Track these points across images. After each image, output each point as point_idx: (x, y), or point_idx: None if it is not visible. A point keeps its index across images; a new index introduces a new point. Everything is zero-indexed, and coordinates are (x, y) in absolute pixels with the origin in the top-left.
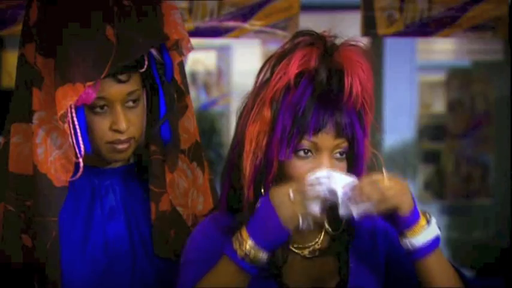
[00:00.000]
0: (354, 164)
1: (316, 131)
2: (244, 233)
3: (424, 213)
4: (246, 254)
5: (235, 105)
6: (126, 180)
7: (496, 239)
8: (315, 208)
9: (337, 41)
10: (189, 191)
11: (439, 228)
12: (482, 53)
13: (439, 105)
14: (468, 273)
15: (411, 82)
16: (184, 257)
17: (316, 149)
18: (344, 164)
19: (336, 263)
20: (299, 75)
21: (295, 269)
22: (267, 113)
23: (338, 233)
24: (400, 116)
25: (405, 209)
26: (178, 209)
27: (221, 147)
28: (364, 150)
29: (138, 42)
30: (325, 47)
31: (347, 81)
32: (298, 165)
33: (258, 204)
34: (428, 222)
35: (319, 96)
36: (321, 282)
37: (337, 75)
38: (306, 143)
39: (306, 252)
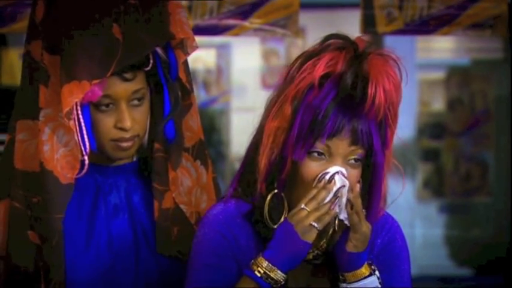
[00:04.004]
0: (372, 173)
1: (331, 135)
2: (264, 258)
3: (370, 265)
4: (266, 274)
5: (234, 103)
6: (129, 177)
7: (495, 237)
8: (332, 210)
9: (370, 48)
10: (193, 189)
11: (381, 283)
12: (482, 51)
13: (438, 104)
14: (468, 271)
15: (410, 80)
16: (198, 258)
17: (329, 153)
18: (358, 171)
19: (330, 270)
20: (324, 77)
21: (293, 271)
22: (288, 110)
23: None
24: (400, 114)
25: (358, 239)
26: (182, 207)
27: (221, 145)
28: (382, 161)
29: (144, 41)
30: (355, 52)
31: (371, 90)
32: (310, 165)
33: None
34: (370, 274)
35: (340, 101)
36: (315, 285)
37: (363, 82)
38: (319, 146)
39: (310, 256)
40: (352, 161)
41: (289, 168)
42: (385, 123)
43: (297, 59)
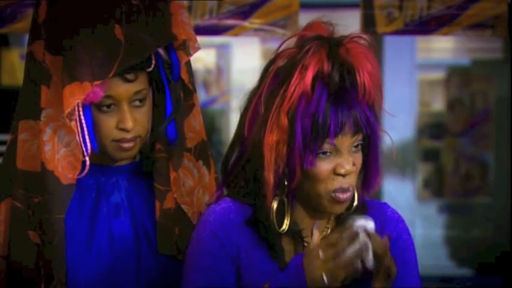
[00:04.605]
0: (370, 151)
1: (337, 133)
2: None
3: None
4: None
5: (234, 103)
6: (131, 177)
7: (495, 237)
8: (351, 266)
9: (336, 32)
10: (194, 189)
11: None
12: (482, 51)
13: (438, 104)
14: (468, 271)
15: (411, 80)
16: (193, 260)
17: (336, 150)
18: (360, 155)
19: None
20: (313, 80)
21: None
22: (284, 122)
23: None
24: (400, 115)
25: (389, 283)
26: (183, 207)
27: (221, 145)
28: (378, 138)
29: (146, 42)
30: (330, 47)
31: (359, 80)
32: (319, 166)
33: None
34: None
35: (334, 98)
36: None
37: (349, 73)
38: (326, 147)
39: None
40: (354, 148)
41: (299, 176)
42: (373, 103)
43: (274, 64)
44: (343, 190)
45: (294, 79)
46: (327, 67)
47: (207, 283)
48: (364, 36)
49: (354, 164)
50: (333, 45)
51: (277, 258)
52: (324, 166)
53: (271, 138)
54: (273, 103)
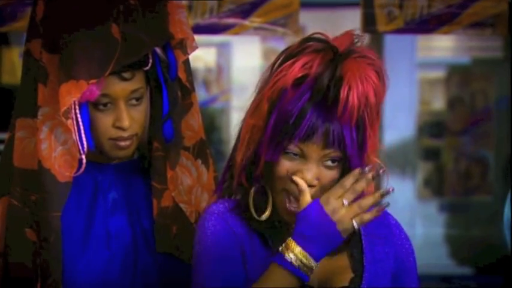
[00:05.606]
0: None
1: (304, 139)
2: (294, 243)
3: None
4: (299, 263)
5: (235, 102)
6: (129, 175)
7: (495, 236)
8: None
9: (353, 47)
10: (193, 188)
11: None
12: (482, 50)
13: (438, 102)
14: (468, 270)
15: (411, 79)
16: (203, 255)
17: (303, 155)
18: (335, 172)
19: (350, 259)
20: (301, 79)
21: None
22: (264, 109)
23: None
24: (400, 113)
25: None
26: (182, 205)
27: (221, 144)
28: (358, 164)
29: (143, 41)
30: (334, 55)
31: (343, 93)
32: (283, 163)
33: (303, 212)
34: None
35: (314, 104)
36: (335, 278)
37: (336, 85)
38: (293, 148)
39: None
40: (329, 163)
41: (263, 166)
42: (363, 126)
43: (278, 57)
44: (296, 200)
45: (282, 68)
46: (316, 69)
47: (222, 274)
48: (376, 57)
49: (318, 179)
50: (336, 54)
51: (273, 246)
52: (285, 165)
53: (250, 121)
54: (262, 89)
